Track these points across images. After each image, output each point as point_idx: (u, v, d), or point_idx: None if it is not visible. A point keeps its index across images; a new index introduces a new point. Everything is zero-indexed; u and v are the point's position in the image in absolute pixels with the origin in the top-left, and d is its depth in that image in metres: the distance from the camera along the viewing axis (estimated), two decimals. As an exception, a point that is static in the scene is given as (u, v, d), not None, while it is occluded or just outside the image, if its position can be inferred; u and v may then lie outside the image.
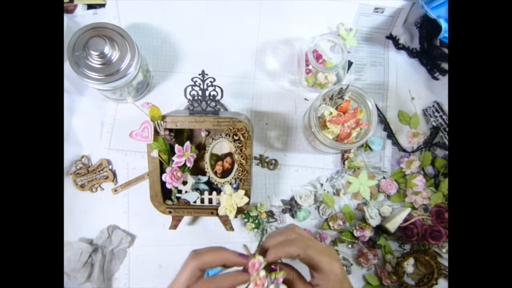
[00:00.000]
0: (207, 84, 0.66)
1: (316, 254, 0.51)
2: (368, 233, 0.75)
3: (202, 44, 0.78)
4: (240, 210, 0.68)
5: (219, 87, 0.66)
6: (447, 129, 0.77)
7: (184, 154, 0.67)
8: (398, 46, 0.79)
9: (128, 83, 0.67)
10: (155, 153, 0.66)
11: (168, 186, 0.67)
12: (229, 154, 0.71)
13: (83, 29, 0.64)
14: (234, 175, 0.69)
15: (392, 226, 0.75)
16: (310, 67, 0.74)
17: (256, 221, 0.76)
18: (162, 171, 0.68)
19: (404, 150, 0.78)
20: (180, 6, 0.77)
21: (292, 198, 0.77)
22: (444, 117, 0.77)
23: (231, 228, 0.72)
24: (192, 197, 0.70)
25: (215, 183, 0.71)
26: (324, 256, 0.50)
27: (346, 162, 0.77)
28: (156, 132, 0.66)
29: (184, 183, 0.70)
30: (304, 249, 0.51)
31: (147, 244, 0.77)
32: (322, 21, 0.78)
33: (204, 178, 0.72)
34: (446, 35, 0.68)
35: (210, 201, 0.71)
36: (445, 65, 0.78)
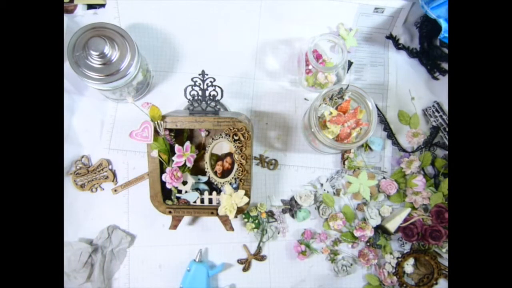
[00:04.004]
0: (207, 84, 0.66)
1: None
2: (368, 233, 0.75)
3: (202, 44, 0.78)
4: (240, 210, 0.68)
5: (219, 87, 0.66)
6: (447, 129, 0.77)
7: (184, 154, 0.67)
8: (398, 46, 0.79)
9: (128, 83, 0.67)
10: (155, 153, 0.66)
11: (168, 186, 0.67)
12: (229, 154, 0.71)
13: (83, 29, 0.64)
14: (234, 175, 0.69)
15: (392, 226, 0.75)
16: (310, 67, 0.74)
17: (256, 221, 0.76)
18: (162, 171, 0.68)
19: (404, 150, 0.78)
20: (180, 6, 0.77)
21: (292, 198, 0.77)
22: (444, 117, 0.77)
23: (231, 228, 0.72)
24: (192, 197, 0.71)
25: (215, 183, 0.71)
26: None
27: (346, 162, 0.77)
28: (156, 132, 0.66)
29: (184, 183, 0.70)
30: None
31: (147, 244, 0.77)
32: (322, 21, 0.78)
33: (204, 178, 0.72)
34: (446, 35, 0.68)
35: (210, 201, 0.71)
36: (445, 65, 0.78)
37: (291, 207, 0.77)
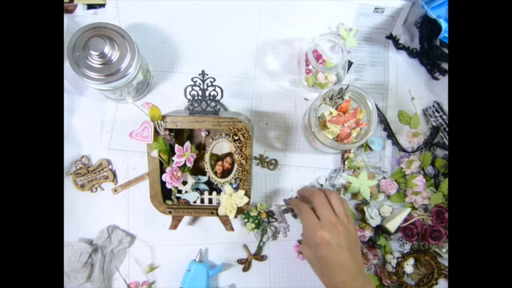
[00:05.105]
0: (207, 84, 0.66)
1: (312, 199, 0.65)
2: (368, 233, 0.75)
3: (202, 44, 0.78)
4: (240, 210, 0.68)
5: (219, 87, 0.66)
6: (447, 129, 0.77)
7: (184, 154, 0.67)
8: (398, 46, 0.79)
9: (128, 83, 0.67)
10: (155, 153, 0.66)
11: (168, 186, 0.67)
12: (229, 154, 0.71)
13: (83, 29, 0.64)
14: (234, 175, 0.69)
15: (392, 226, 0.75)
16: (310, 67, 0.74)
17: (256, 221, 0.76)
18: (162, 171, 0.68)
19: (404, 150, 0.78)
20: (180, 6, 0.77)
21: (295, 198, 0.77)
22: (444, 117, 0.77)
23: (231, 228, 0.72)
24: (192, 197, 0.71)
25: (215, 183, 0.71)
26: (318, 206, 0.64)
27: (346, 162, 0.77)
28: (156, 132, 0.66)
29: (184, 183, 0.70)
30: (310, 196, 0.66)
31: (147, 244, 0.77)
32: (322, 21, 0.78)
33: (204, 178, 0.72)
34: (446, 35, 0.68)
35: (210, 201, 0.71)
36: (445, 65, 0.78)
37: (291, 207, 0.77)
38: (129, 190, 0.77)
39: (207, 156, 0.71)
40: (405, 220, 0.75)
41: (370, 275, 0.77)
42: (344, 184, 0.78)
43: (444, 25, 0.68)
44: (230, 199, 0.68)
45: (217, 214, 0.69)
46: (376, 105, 0.68)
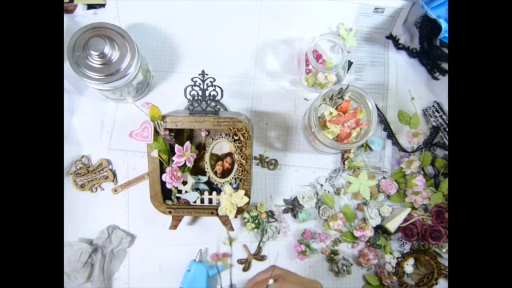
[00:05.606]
0: (207, 84, 0.66)
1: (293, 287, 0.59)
2: (368, 233, 0.75)
3: (202, 44, 0.78)
4: (240, 210, 0.68)
5: (219, 87, 0.66)
6: (447, 129, 0.77)
7: (184, 154, 0.67)
8: (398, 46, 0.79)
9: (128, 83, 0.67)
10: (155, 153, 0.66)
11: (168, 186, 0.67)
12: (229, 154, 0.71)
13: (83, 29, 0.64)
14: (234, 175, 0.69)
15: (392, 226, 0.75)
16: (310, 67, 0.74)
17: (256, 221, 0.76)
18: (162, 171, 0.68)
19: (404, 150, 0.78)
20: (180, 6, 0.77)
21: (295, 199, 0.77)
22: (444, 117, 0.77)
23: (231, 228, 0.72)
24: (192, 197, 0.71)
25: (215, 183, 0.71)
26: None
27: (346, 162, 0.77)
28: (156, 132, 0.66)
29: (184, 183, 0.70)
30: (280, 282, 0.59)
31: (147, 244, 0.77)
32: (322, 21, 0.78)
33: (204, 178, 0.72)
34: (446, 35, 0.68)
35: (210, 201, 0.71)
36: (445, 65, 0.78)
37: (293, 207, 0.77)
38: (129, 190, 0.77)
39: (207, 156, 0.71)
40: (405, 220, 0.75)
41: (370, 275, 0.77)
42: (344, 184, 0.78)
43: (444, 25, 0.68)
44: (230, 199, 0.68)
45: (217, 214, 0.69)
46: (376, 105, 0.68)
